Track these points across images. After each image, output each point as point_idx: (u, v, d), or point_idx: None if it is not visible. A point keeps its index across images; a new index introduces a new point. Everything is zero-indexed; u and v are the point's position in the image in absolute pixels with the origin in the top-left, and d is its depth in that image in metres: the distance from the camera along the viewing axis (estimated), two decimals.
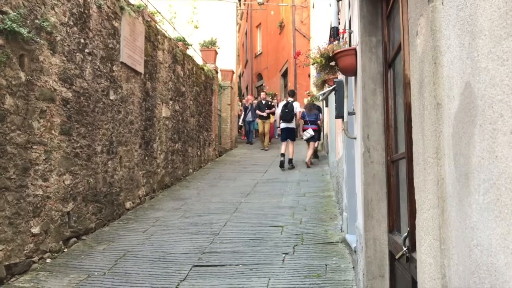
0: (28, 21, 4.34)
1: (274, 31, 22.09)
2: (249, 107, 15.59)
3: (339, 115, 4.94)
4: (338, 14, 5.33)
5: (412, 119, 1.14)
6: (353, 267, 4.23)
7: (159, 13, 8.86)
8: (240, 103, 17.46)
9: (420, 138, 1.04)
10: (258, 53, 25.20)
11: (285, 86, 21.53)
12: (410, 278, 1.93)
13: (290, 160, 10.42)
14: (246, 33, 26.46)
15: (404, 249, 1.95)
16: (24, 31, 4.19)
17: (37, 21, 4.47)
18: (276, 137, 16.70)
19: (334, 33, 5.16)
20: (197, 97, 10.79)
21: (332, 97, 7.35)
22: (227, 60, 14.61)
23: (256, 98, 16.99)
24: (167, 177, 8.47)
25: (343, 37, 3.76)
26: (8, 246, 4.01)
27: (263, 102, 14.76)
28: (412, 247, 1.91)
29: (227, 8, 15.06)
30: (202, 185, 8.86)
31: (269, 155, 13.07)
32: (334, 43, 3.60)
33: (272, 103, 15.33)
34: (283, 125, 10.71)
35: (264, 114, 14.26)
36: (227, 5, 15.05)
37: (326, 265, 4.38)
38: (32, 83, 4.43)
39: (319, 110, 10.82)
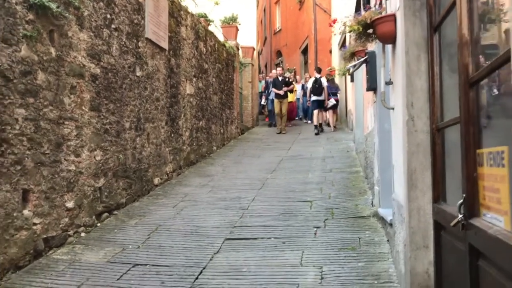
0: None
1: (294, 7, 21.69)
2: (272, 83, 13.96)
3: (372, 87, 4.86)
4: None
5: None
6: (388, 240, 4.19)
7: None
8: (261, 81, 16.42)
9: None
10: (277, 30, 24.84)
11: (305, 63, 21.25)
12: (467, 246, 1.87)
13: (320, 125, 12.55)
14: (264, 10, 26.07)
15: (460, 216, 1.89)
16: (53, 5, 4.17)
17: None
18: (298, 118, 15.84)
19: (365, 2, 5.01)
20: (219, 75, 10.72)
21: (358, 72, 7.21)
22: (247, 37, 14.43)
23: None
24: (192, 154, 8.50)
25: (379, 4, 3.63)
26: (45, 220, 4.09)
27: (280, 78, 13.15)
28: (470, 214, 1.85)
29: None
30: (227, 162, 8.86)
31: (291, 132, 12.99)
32: (371, 9, 3.48)
33: (291, 80, 13.99)
34: (314, 98, 12.64)
35: (281, 92, 12.81)
36: None
37: (359, 238, 4.34)
38: (62, 58, 4.43)
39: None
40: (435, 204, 2.63)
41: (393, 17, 3.19)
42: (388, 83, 3.53)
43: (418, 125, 2.73)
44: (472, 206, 1.84)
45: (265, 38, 26.33)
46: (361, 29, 3.36)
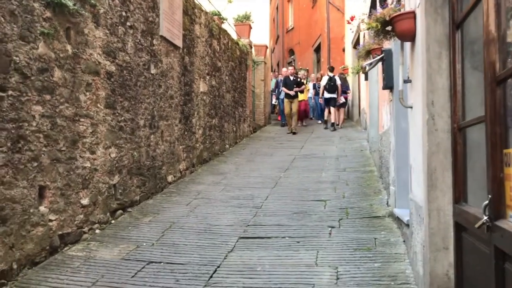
0: None
1: (307, 5, 21.59)
2: (283, 82, 13.51)
3: (388, 85, 4.80)
4: None
5: None
6: (404, 241, 4.13)
7: None
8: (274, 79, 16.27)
9: None
10: (290, 28, 24.76)
11: (318, 61, 21.15)
12: (492, 248, 1.83)
13: (333, 124, 12.89)
14: (277, 8, 25.99)
15: (485, 218, 1.84)
16: (70, 3, 4.19)
17: None
18: (311, 118, 15.30)
19: None
20: (232, 73, 10.71)
21: (372, 71, 7.13)
22: (260, 35, 14.39)
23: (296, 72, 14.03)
24: (205, 152, 8.50)
25: (397, 1, 3.57)
26: (61, 216, 4.11)
27: (291, 78, 12.70)
28: (495, 216, 1.80)
29: None
30: (240, 160, 8.85)
31: (303, 131, 12.92)
32: (390, 6, 3.42)
33: (302, 80, 13.40)
34: (327, 95, 13.07)
35: (292, 92, 12.41)
36: None
37: (375, 238, 4.29)
38: (78, 56, 4.44)
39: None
40: (455, 205, 2.58)
41: (412, 14, 3.14)
42: (407, 81, 3.47)
43: (438, 124, 2.67)
44: (498, 207, 1.80)
45: (278, 36, 26.26)
46: (379, 26, 3.31)
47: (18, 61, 3.57)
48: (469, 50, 2.52)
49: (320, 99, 13.76)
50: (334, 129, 12.66)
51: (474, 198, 2.40)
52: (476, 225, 1.87)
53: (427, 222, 2.71)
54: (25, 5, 3.65)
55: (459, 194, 2.56)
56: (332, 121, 12.89)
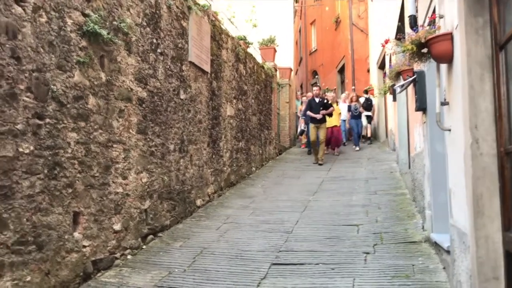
0: (107, 23, 4.44)
1: (330, 27, 21.69)
2: (307, 105, 11.83)
3: (421, 107, 4.71)
4: (416, 1, 5.06)
5: None
6: (444, 268, 3.97)
7: (221, 12, 8.89)
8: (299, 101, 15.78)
9: None
10: (313, 50, 24.87)
11: (342, 82, 21.10)
12: None
13: (369, 138, 14.23)
14: (300, 31, 26.19)
15: None
16: (104, 32, 4.28)
17: (115, 22, 4.56)
18: (345, 143, 13.75)
19: (412, 22, 4.89)
20: (258, 96, 10.75)
21: (402, 92, 7.04)
22: (284, 57, 14.48)
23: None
24: (233, 175, 8.48)
25: (432, 23, 3.52)
26: (94, 242, 4.12)
27: (316, 100, 11.00)
28: None
29: (284, 6, 14.92)
30: (267, 183, 8.79)
31: (330, 153, 12.75)
32: (425, 28, 3.36)
33: (329, 102, 11.37)
34: (366, 113, 14.13)
35: (318, 116, 10.71)
36: (284, 3, 14.90)
37: (412, 265, 4.14)
38: (111, 83, 4.53)
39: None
40: (505, 233, 2.46)
41: (449, 35, 3.08)
42: (444, 103, 3.39)
43: (483, 148, 2.58)
44: None
45: (301, 59, 26.38)
46: (415, 48, 3.25)
47: (55, 90, 3.65)
48: None
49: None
50: (371, 142, 14.05)
51: None
52: None
53: (474, 250, 2.59)
54: (63, 36, 3.76)
55: (509, 221, 2.44)
56: (369, 135, 14.33)
